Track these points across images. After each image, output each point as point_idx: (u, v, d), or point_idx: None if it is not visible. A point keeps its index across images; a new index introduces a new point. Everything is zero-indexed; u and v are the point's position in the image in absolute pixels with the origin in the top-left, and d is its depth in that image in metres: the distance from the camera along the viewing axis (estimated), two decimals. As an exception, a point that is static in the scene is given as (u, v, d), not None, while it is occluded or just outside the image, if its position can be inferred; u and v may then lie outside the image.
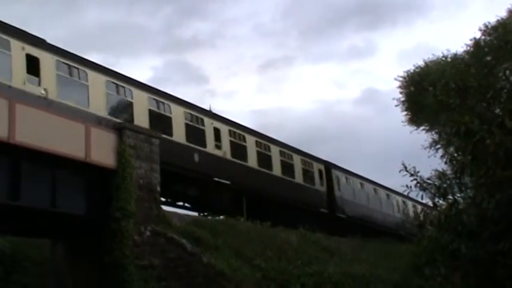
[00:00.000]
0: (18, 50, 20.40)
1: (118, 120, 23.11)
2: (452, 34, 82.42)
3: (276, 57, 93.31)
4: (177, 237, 21.95)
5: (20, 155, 19.13)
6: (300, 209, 33.42)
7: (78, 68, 22.54)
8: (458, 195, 15.20)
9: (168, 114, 26.12)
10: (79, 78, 22.57)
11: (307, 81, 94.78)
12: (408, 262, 24.09)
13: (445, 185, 14.92)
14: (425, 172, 15.37)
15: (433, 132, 28.27)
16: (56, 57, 21.68)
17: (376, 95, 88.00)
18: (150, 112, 25.21)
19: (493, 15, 23.73)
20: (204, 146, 27.66)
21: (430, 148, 26.47)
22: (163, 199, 25.32)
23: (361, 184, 40.56)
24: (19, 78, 20.25)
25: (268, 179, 31.47)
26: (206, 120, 28.19)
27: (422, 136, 29.52)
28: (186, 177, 26.64)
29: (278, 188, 31.83)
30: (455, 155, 15.51)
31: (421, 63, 29.59)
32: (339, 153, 74.16)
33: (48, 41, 21.85)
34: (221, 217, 26.69)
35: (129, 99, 24.54)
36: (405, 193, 15.59)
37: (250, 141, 30.88)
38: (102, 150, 21.37)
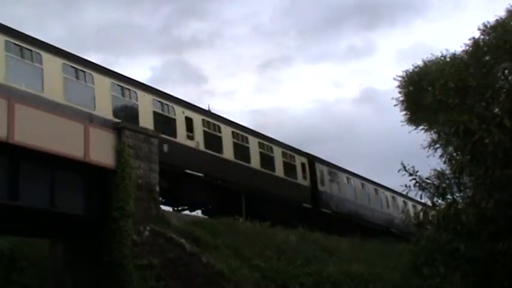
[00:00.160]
0: None
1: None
2: (451, 34, 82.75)
3: (274, 57, 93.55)
4: (176, 237, 21.96)
5: (19, 155, 19.12)
6: (281, 203, 32.36)
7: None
8: (457, 194, 15.22)
9: (134, 101, 25.02)
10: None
11: (306, 81, 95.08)
12: (407, 261, 24.05)
13: (444, 185, 14.94)
14: (425, 172, 15.36)
15: (432, 132, 28.15)
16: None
17: (374, 94, 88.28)
18: (113, 98, 24.03)
19: (492, 14, 23.64)
20: (175, 136, 26.50)
21: (429, 148, 26.35)
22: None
23: (348, 178, 39.37)
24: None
25: (246, 171, 30.18)
26: (177, 108, 27.06)
27: (421, 136, 29.40)
28: None
29: (257, 182, 30.63)
30: (454, 154, 15.52)
31: (420, 62, 29.47)
32: (338, 153, 74.37)
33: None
34: (199, 212, 25.68)
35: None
36: (404, 192, 15.60)
37: (226, 132, 29.61)
38: (101, 150, 21.38)
